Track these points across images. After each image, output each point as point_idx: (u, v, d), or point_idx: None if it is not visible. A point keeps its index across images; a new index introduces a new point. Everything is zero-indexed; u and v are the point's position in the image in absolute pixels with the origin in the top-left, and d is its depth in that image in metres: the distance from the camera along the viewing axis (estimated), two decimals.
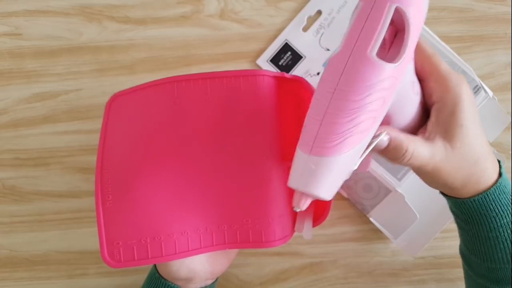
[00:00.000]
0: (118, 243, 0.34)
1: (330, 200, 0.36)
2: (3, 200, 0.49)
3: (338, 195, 0.47)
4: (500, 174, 0.32)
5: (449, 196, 0.33)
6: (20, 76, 0.49)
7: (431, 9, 0.49)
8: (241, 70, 0.36)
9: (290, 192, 0.35)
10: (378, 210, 0.46)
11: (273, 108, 0.36)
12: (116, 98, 0.38)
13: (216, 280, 0.40)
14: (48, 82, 0.49)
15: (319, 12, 0.48)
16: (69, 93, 0.49)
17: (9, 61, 0.49)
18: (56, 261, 0.49)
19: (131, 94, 0.37)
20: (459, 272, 0.48)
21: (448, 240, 0.48)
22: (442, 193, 0.34)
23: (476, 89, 0.45)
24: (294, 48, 0.48)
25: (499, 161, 0.32)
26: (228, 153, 0.34)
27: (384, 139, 0.28)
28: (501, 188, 0.31)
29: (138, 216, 0.34)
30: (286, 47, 0.48)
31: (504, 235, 0.31)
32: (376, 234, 0.48)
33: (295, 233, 0.37)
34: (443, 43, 0.46)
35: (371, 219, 0.47)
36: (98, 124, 0.49)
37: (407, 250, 0.47)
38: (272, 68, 0.48)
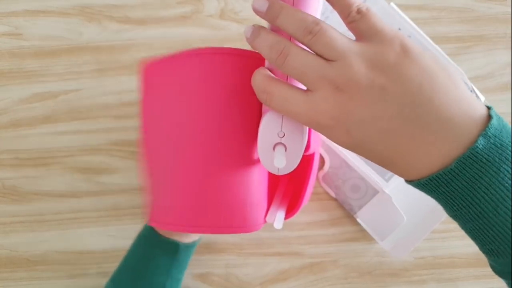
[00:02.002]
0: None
1: (304, 193, 0.38)
2: (3, 200, 0.49)
3: (328, 196, 0.47)
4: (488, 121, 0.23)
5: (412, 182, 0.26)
6: (20, 76, 0.49)
7: (431, 9, 0.49)
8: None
9: (268, 183, 0.36)
10: (365, 211, 0.46)
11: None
12: (149, 66, 0.37)
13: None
14: (48, 82, 0.49)
15: None
16: (69, 93, 0.49)
17: (9, 61, 0.49)
18: (56, 261, 0.49)
19: (164, 62, 0.35)
20: (459, 272, 0.48)
21: (448, 240, 0.48)
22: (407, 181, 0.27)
23: None
24: None
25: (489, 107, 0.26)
26: (211, 136, 0.34)
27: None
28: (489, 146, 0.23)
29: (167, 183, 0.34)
30: None
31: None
32: None
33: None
34: (435, 45, 0.46)
35: (358, 220, 0.47)
36: (98, 124, 0.49)
37: (394, 252, 0.47)
38: None
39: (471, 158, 0.22)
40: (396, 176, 0.45)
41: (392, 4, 0.48)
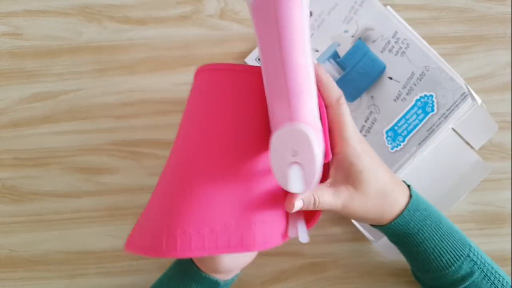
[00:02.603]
0: (175, 231, 0.33)
1: None
2: (3, 200, 0.49)
3: None
4: (410, 196, 0.37)
5: (375, 226, 0.38)
6: (20, 76, 0.49)
7: (431, 9, 0.49)
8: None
9: (276, 199, 0.35)
10: None
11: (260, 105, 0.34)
12: (203, 71, 0.37)
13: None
14: (48, 82, 0.49)
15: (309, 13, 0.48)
16: (69, 93, 0.49)
17: (9, 61, 0.49)
18: (56, 261, 0.49)
19: (219, 71, 0.36)
20: None
21: None
22: (371, 224, 0.39)
23: (463, 97, 0.45)
24: None
25: (408, 186, 0.38)
26: (223, 154, 0.34)
27: (299, 205, 0.33)
28: (413, 207, 0.36)
29: (195, 206, 0.33)
30: None
31: (431, 246, 0.36)
32: None
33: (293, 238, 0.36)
34: (432, 50, 0.46)
35: (352, 220, 0.47)
36: (98, 124, 0.49)
37: (388, 253, 0.47)
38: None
39: (410, 208, 0.36)
40: None
41: (388, 7, 0.48)
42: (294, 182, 0.29)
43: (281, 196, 0.35)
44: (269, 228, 0.34)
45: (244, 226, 0.33)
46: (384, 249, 0.47)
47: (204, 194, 0.33)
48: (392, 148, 0.46)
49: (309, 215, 0.37)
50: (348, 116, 0.34)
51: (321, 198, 0.33)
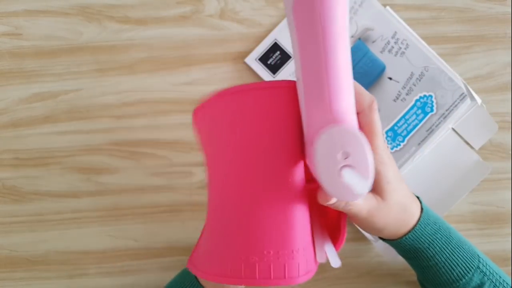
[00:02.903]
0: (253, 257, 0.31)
1: (344, 218, 0.35)
2: (3, 200, 0.49)
3: None
4: (421, 209, 0.37)
5: (387, 240, 0.38)
6: (20, 76, 0.49)
7: (431, 9, 0.49)
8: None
9: (313, 222, 0.33)
10: None
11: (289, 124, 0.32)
12: (198, 111, 0.35)
13: None
14: (48, 82, 0.49)
15: None
16: (69, 93, 0.49)
17: (9, 61, 0.49)
18: (56, 261, 0.49)
19: (210, 104, 0.34)
20: None
21: None
22: (380, 238, 0.38)
23: (462, 97, 0.45)
24: (283, 48, 0.48)
25: (418, 197, 0.38)
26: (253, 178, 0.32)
27: (333, 200, 0.30)
28: (425, 222, 0.36)
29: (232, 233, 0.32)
30: (275, 47, 0.48)
31: (442, 260, 0.36)
32: None
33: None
34: (431, 50, 0.46)
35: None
36: (98, 124, 0.49)
37: (387, 254, 0.47)
38: (260, 67, 0.48)
39: (422, 222, 0.36)
40: None
41: (388, 8, 0.48)
42: (354, 185, 0.26)
43: (312, 216, 0.33)
44: (308, 256, 0.32)
45: (287, 255, 0.30)
46: (384, 249, 0.47)
47: (265, 220, 0.31)
48: (392, 148, 0.46)
49: (332, 237, 0.35)
50: (378, 123, 0.33)
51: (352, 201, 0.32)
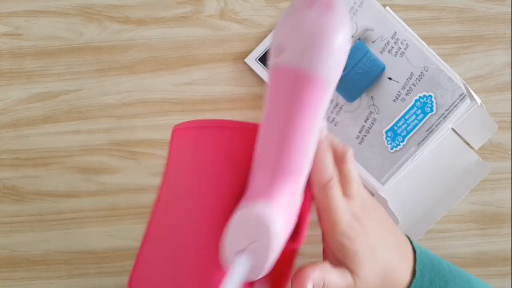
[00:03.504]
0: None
1: (292, 262, 0.33)
2: (3, 200, 0.49)
3: None
4: (415, 265, 0.34)
5: None
6: (20, 76, 0.49)
7: (431, 9, 0.49)
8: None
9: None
10: None
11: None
12: (177, 130, 0.35)
13: None
14: (48, 82, 0.49)
15: None
16: (69, 93, 0.49)
17: (9, 61, 0.50)
18: (56, 261, 0.49)
19: (189, 129, 0.34)
20: None
21: (448, 240, 0.48)
22: None
23: (461, 97, 0.45)
24: None
25: (409, 238, 0.36)
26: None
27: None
28: (418, 285, 0.34)
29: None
30: None
31: None
32: None
33: None
34: (431, 50, 0.46)
35: None
36: (98, 124, 0.49)
37: None
38: (260, 67, 0.48)
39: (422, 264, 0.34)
40: (392, 179, 0.46)
41: (387, 8, 0.48)
42: (238, 273, 0.25)
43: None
44: None
45: None
46: None
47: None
48: (391, 148, 0.46)
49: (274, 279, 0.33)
50: (336, 200, 0.31)
51: (330, 281, 0.31)
